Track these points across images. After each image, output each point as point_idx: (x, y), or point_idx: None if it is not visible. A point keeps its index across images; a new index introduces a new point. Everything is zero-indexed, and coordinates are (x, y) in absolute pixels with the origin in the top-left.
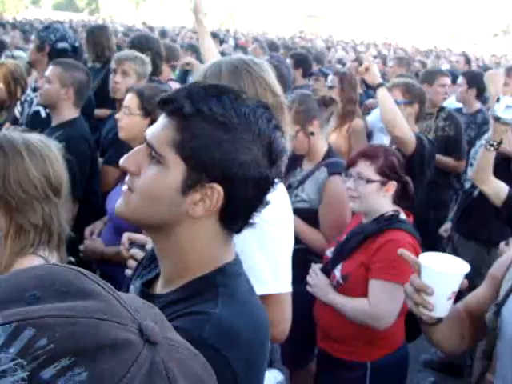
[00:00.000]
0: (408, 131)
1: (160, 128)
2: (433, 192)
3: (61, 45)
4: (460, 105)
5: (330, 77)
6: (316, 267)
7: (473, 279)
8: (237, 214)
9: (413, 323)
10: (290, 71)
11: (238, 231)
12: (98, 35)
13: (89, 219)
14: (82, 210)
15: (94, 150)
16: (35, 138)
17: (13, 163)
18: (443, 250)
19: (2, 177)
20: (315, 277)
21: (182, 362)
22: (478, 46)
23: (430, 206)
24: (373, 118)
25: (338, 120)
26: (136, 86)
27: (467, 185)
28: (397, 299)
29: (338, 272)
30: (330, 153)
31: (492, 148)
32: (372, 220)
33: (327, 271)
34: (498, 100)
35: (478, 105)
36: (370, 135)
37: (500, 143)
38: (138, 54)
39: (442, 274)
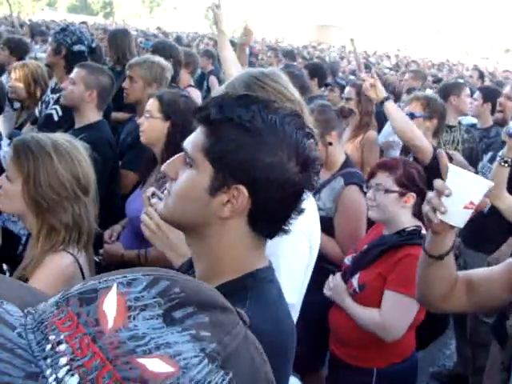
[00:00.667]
0: (422, 137)
1: (194, 135)
2: None
3: (77, 47)
4: (474, 120)
5: (347, 88)
6: (337, 274)
7: None
8: (264, 217)
9: (424, 331)
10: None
11: (271, 237)
12: (120, 39)
13: (109, 221)
14: (103, 212)
15: (115, 154)
16: (62, 138)
17: (42, 165)
18: None
19: (32, 179)
20: (335, 282)
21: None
22: (490, 60)
23: None
24: (381, 136)
25: (353, 131)
26: (158, 91)
27: None
28: (408, 313)
29: (355, 281)
30: (347, 163)
31: (506, 164)
32: (393, 233)
33: (344, 279)
34: None
35: (492, 120)
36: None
37: None
38: (151, 58)
39: (463, 176)
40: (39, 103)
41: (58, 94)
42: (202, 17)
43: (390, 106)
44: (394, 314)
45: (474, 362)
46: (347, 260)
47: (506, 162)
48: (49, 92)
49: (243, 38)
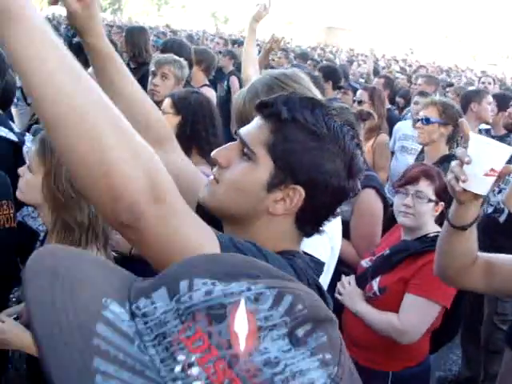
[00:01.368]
0: None
1: (256, 128)
2: None
3: (76, 39)
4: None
5: (360, 91)
6: (351, 277)
7: (496, 299)
8: (312, 218)
9: (436, 335)
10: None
11: (309, 235)
12: (136, 36)
13: None
14: None
15: None
16: None
17: None
18: None
19: (53, 173)
20: (347, 286)
21: None
22: (499, 66)
23: None
24: (393, 137)
25: (365, 134)
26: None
27: (490, 209)
28: (427, 317)
29: (375, 284)
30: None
31: None
32: (415, 239)
33: (361, 281)
34: None
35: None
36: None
37: None
38: (176, 57)
39: (483, 143)
40: None
41: None
42: (210, 15)
43: None
44: (413, 318)
45: (486, 368)
46: (364, 263)
47: None
48: None
49: (268, 44)
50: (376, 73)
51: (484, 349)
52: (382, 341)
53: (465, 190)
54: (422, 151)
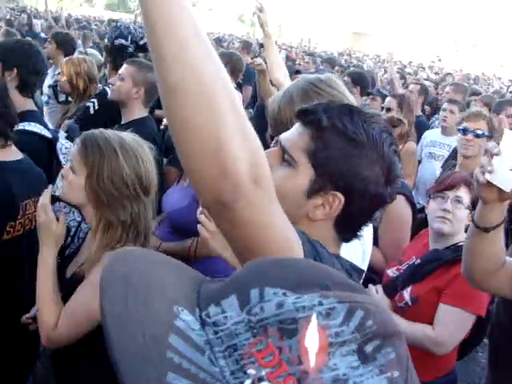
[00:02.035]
0: None
1: (296, 135)
2: None
3: (117, 41)
4: None
5: (388, 98)
6: (378, 286)
7: None
8: (350, 224)
9: (461, 343)
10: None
11: (347, 240)
12: None
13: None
14: None
15: (160, 150)
16: (129, 137)
17: (107, 161)
18: None
19: (96, 173)
20: (375, 294)
21: None
22: None
23: None
24: (420, 144)
25: None
26: None
27: None
28: (463, 327)
29: (407, 294)
30: None
31: None
32: (445, 248)
33: (389, 291)
34: None
35: None
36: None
37: None
38: None
39: None
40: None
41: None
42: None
43: None
44: (449, 328)
45: None
46: (391, 272)
47: None
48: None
49: None
50: (402, 79)
51: None
52: (413, 351)
53: (489, 184)
54: (448, 158)
